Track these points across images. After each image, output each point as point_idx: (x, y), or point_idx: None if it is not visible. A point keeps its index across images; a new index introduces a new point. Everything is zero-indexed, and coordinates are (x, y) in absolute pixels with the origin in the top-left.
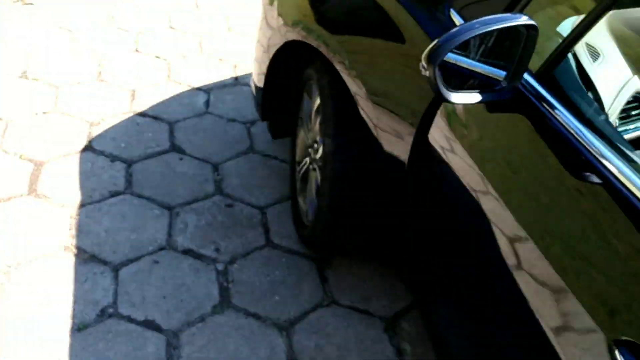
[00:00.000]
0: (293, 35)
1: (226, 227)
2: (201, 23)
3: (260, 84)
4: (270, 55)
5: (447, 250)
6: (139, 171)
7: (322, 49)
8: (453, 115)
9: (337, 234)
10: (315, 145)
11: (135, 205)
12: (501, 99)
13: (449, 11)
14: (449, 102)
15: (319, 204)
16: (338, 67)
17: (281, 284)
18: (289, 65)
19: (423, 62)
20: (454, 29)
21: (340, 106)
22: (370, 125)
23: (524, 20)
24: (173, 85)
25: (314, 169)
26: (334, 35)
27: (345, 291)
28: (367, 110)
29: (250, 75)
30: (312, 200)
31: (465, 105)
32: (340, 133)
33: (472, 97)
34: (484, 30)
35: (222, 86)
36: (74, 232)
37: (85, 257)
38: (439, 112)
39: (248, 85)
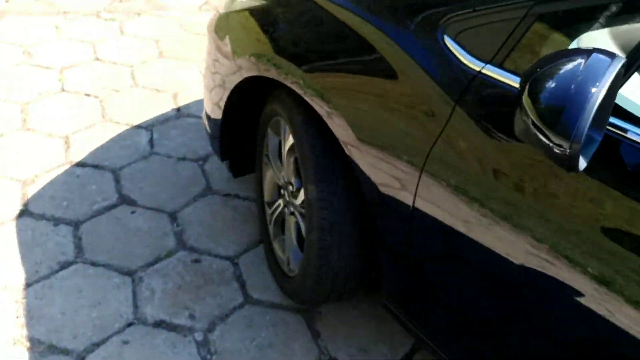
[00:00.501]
0: (254, 71)
1: (197, 287)
2: (130, 51)
3: (217, 120)
4: (228, 91)
5: (460, 292)
6: (89, 233)
7: (295, 87)
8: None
9: (330, 287)
10: (290, 187)
11: (90, 275)
12: (595, 149)
13: (442, 38)
14: (578, 171)
15: (308, 257)
16: (317, 107)
17: (269, 347)
18: (247, 99)
19: (555, 140)
20: (572, 90)
21: (321, 148)
22: (362, 167)
23: (622, 60)
24: (110, 125)
25: (292, 214)
26: (309, 73)
27: (340, 344)
28: (356, 152)
29: (193, 104)
30: (295, 249)
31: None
32: (324, 179)
33: (582, 160)
34: (610, 81)
35: (164, 120)
36: (22, 319)
37: (42, 349)
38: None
39: (193, 116)
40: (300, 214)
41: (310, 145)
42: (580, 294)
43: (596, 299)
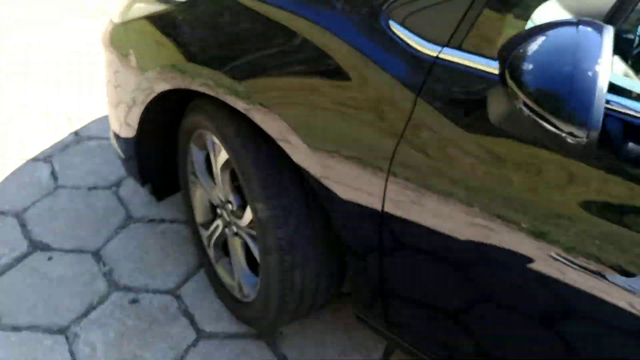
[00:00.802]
0: (169, 84)
1: (142, 331)
2: (5, 73)
3: (130, 139)
4: (141, 108)
5: (439, 292)
6: (1, 292)
7: (223, 96)
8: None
9: (296, 308)
10: (230, 205)
11: (13, 343)
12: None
13: (388, 24)
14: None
15: (268, 281)
16: (253, 117)
17: None
18: (161, 113)
19: (566, 129)
20: (575, 71)
21: (264, 161)
22: (318, 177)
23: (610, 28)
24: (0, 162)
25: (236, 234)
26: (239, 80)
27: None
28: (308, 161)
29: (92, 124)
30: (246, 272)
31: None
32: (274, 194)
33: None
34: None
35: (62, 147)
36: None
37: None
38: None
39: (94, 138)
40: (249, 235)
41: (251, 159)
42: (570, 297)
43: (589, 297)
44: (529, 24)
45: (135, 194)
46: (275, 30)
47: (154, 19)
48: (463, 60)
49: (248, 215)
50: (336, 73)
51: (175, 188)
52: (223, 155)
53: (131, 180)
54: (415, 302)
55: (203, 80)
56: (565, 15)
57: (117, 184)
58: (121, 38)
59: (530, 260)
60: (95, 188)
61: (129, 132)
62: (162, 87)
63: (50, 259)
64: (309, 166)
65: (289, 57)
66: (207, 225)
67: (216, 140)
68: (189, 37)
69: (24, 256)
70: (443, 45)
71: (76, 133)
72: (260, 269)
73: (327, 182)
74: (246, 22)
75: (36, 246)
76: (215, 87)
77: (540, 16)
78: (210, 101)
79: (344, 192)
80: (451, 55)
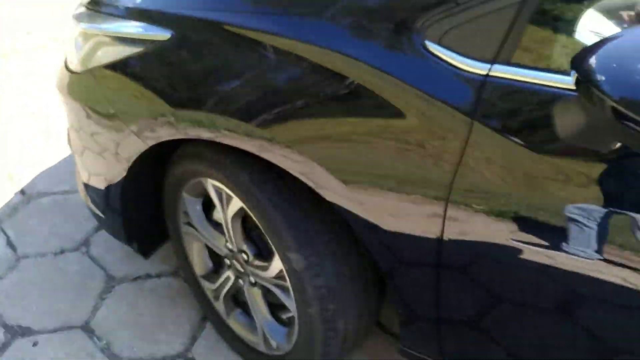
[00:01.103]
0: (167, 134)
1: None
2: (8, 73)
3: (112, 197)
4: (128, 163)
5: (502, 319)
6: None
7: (242, 144)
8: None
9: (339, 352)
10: (245, 255)
11: None
12: None
13: (424, 45)
14: None
15: (310, 333)
16: (280, 162)
17: None
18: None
19: None
20: None
21: (289, 206)
22: (359, 213)
23: None
24: None
25: (254, 284)
26: (264, 127)
27: None
28: (346, 199)
29: (38, 179)
30: (272, 325)
31: None
32: (307, 242)
33: None
34: None
35: (11, 211)
36: None
37: None
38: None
39: (45, 194)
40: (278, 285)
41: (273, 206)
42: None
43: None
44: (578, 32)
45: (109, 251)
46: (294, 62)
47: (133, 64)
48: (517, 75)
49: (276, 266)
50: (373, 103)
51: (161, 239)
52: (235, 204)
53: (101, 236)
54: (476, 328)
55: (214, 128)
56: (610, 23)
57: (86, 243)
58: (90, 88)
59: (607, 277)
60: (62, 252)
61: (110, 185)
62: (161, 136)
63: (35, 344)
64: (347, 204)
65: (315, 92)
66: (211, 277)
67: (225, 189)
68: (188, 81)
69: (4, 348)
70: (491, 62)
71: (22, 191)
72: (298, 321)
73: (370, 218)
74: (262, 58)
75: (15, 333)
76: (230, 134)
77: (587, 23)
78: (211, 148)
79: (391, 225)
80: (503, 71)
